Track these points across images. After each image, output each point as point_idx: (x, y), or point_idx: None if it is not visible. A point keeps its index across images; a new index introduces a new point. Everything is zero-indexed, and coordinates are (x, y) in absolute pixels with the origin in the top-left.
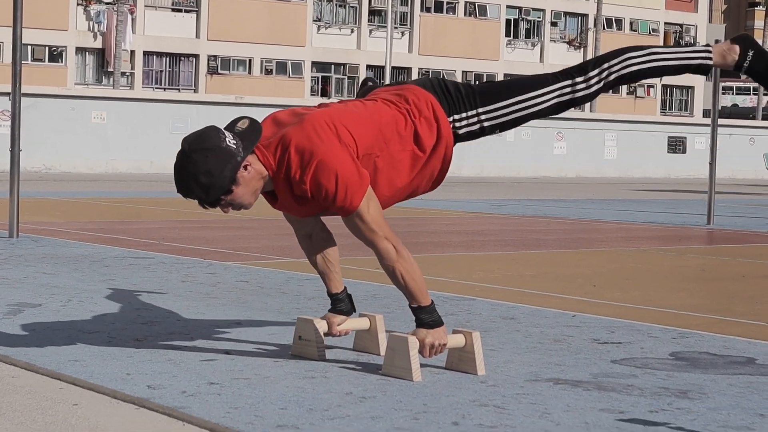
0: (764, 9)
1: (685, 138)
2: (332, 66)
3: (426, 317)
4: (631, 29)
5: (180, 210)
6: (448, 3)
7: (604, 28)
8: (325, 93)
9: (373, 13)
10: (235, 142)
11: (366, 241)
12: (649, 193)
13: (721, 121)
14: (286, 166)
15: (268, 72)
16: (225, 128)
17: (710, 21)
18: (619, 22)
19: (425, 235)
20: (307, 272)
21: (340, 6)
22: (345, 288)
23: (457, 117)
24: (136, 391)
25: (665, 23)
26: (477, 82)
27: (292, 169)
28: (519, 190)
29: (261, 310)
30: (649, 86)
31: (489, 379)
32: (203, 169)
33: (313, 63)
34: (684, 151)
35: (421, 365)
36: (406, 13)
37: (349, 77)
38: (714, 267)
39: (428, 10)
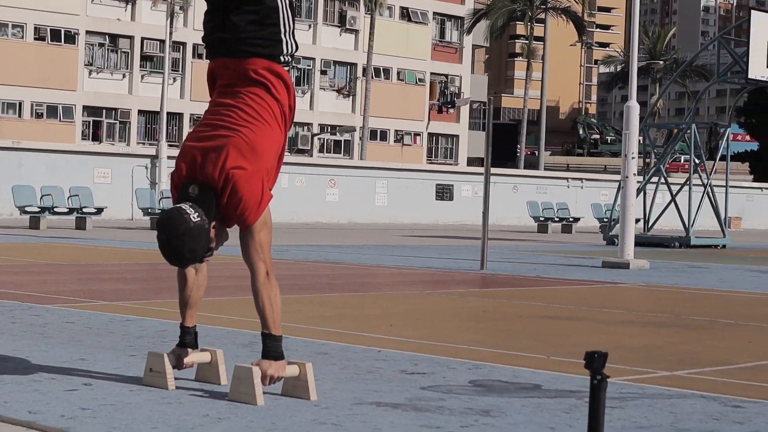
0: (525, 60)
1: (452, 185)
2: (104, 110)
3: (272, 345)
4: (399, 78)
5: None
6: None
7: (372, 78)
8: (96, 137)
9: (144, 58)
10: (197, 214)
11: (248, 256)
12: (421, 239)
13: (482, 170)
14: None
15: (39, 116)
16: (179, 196)
17: (473, 72)
18: (387, 71)
19: (221, 279)
20: (125, 314)
21: (112, 51)
22: (195, 325)
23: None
24: (20, 415)
25: (431, 73)
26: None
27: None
28: (296, 235)
29: (97, 348)
30: (416, 134)
31: (321, 403)
32: (187, 249)
33: (85, 107)
34: (451, 198)
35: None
36: (178, 59)
37: (120, 122)
38: (493, 308)
39: (200, 56)
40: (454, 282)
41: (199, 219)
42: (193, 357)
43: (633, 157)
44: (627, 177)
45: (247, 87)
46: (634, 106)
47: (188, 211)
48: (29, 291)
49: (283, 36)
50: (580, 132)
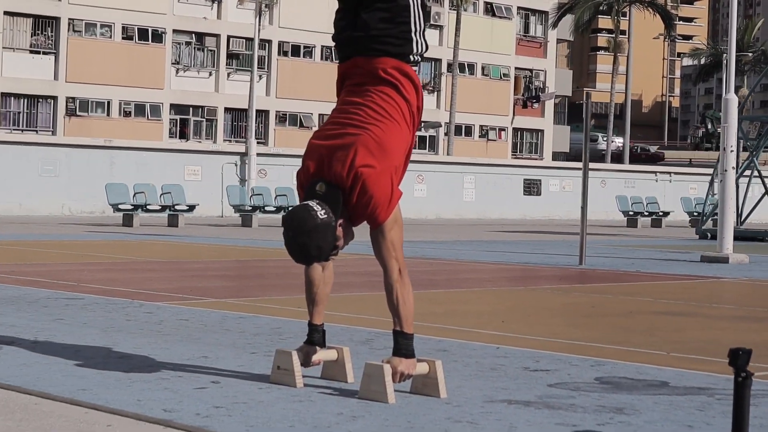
0: (607, 54)
1: (540, 180)
2: (190, 108)
3: (404, 343)
4: (483, 74)
5: (72, 253)
6: (305, 47)
7: (457, 73)
8: (183, 135)
9: (230, 56)
10: (324, 211)
11: (380, 255)
12: (512, 234)
13: (572, 164)
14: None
15: (127, 114)
16: (306, 194)
17: (556, 66)
18: (471, 66)
19: None
20: (237, 311)
21: (199, 49)
22: (323, 323)
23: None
24: (156, 414)
25: (516, 68)
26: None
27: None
28: None
29: (216, 345)
30: (501, 129)
31: (452, 401)
32: (313, 246)
33: (172, 105)
34: (539, 194)
35: None
36: (264, 57)
37: (207, 120)
38: (602, 304)
39: (285, 54)
40: (555, 277)
41: (326, 216)
42: (321, 355)
43: (732, 151)
44: (726, 170)
45: (376, 86)
46: (732, 99)
47: (315, 208)
48: (136, 288)
49: (413, 35)
50: (708, 126)
